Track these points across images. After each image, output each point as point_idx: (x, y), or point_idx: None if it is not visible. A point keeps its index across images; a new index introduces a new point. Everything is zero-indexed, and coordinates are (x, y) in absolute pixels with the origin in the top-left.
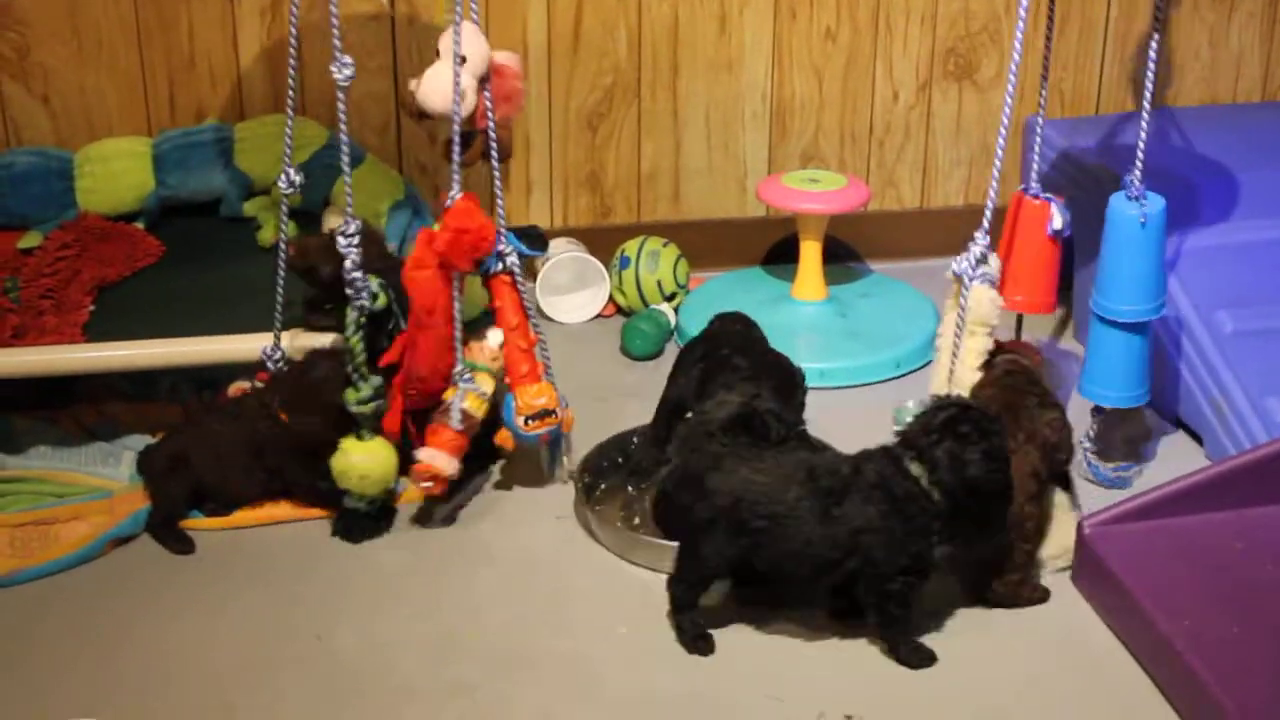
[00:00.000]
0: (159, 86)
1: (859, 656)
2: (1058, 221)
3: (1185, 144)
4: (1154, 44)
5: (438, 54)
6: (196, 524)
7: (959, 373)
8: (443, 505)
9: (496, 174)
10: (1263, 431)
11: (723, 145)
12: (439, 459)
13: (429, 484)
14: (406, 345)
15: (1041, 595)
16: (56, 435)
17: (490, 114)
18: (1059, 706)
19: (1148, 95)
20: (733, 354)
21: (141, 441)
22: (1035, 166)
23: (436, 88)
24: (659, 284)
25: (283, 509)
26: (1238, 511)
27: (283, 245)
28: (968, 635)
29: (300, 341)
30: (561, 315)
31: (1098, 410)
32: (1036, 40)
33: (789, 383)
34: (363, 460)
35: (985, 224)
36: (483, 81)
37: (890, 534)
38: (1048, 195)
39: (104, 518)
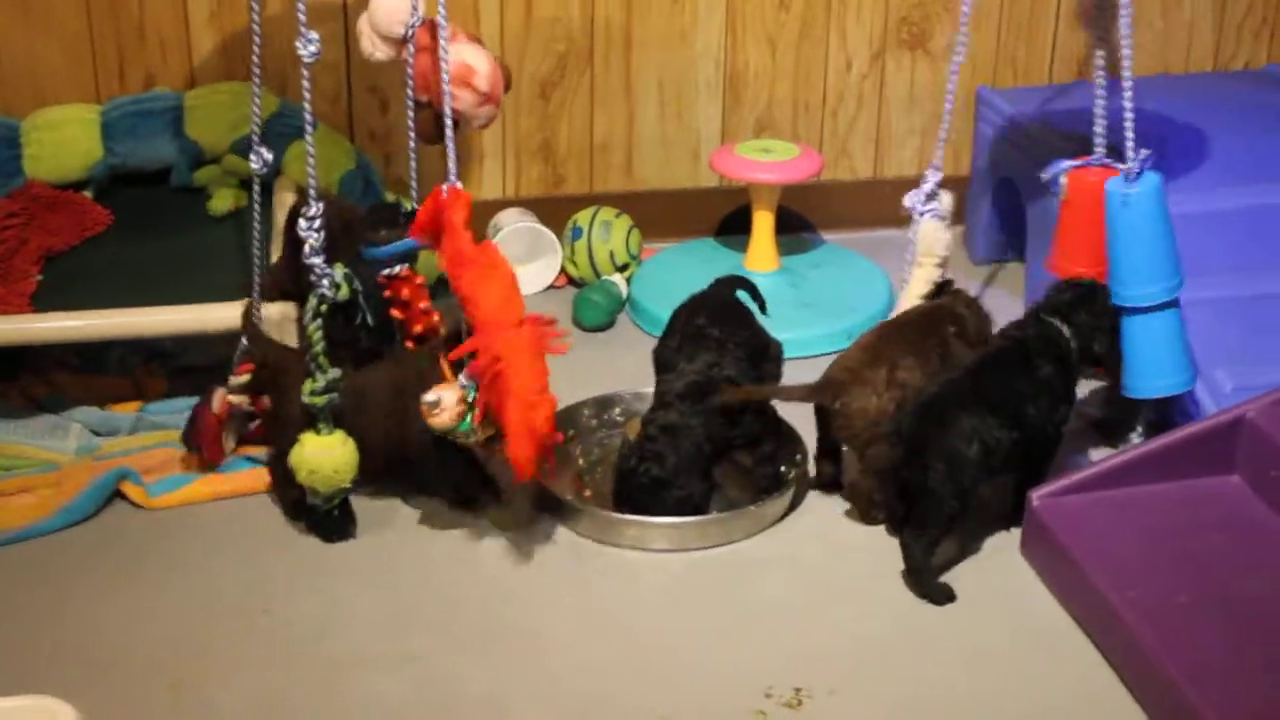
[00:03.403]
0: (108, 53)
1: (807, 629)
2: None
3: (1136, 114)
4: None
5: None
6: (149, 501)
7: (902, 299)
8: None
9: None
10: (1211, 402)
11: (676, 115)
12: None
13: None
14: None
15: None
16: (3, 407)
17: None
18: (1007, 677)
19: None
20: (708, 324)
21: (90, 413)
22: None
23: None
24: (611, 255)
25: (231, 483)
26: (1186, 482)
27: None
28: (914, 607)
29: (270, 311)
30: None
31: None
32: (988, 8)
33: (759, 355)
34: (313, 454)
35: (937, 161)
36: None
37: (1063, 391)
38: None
39: (51, 490)
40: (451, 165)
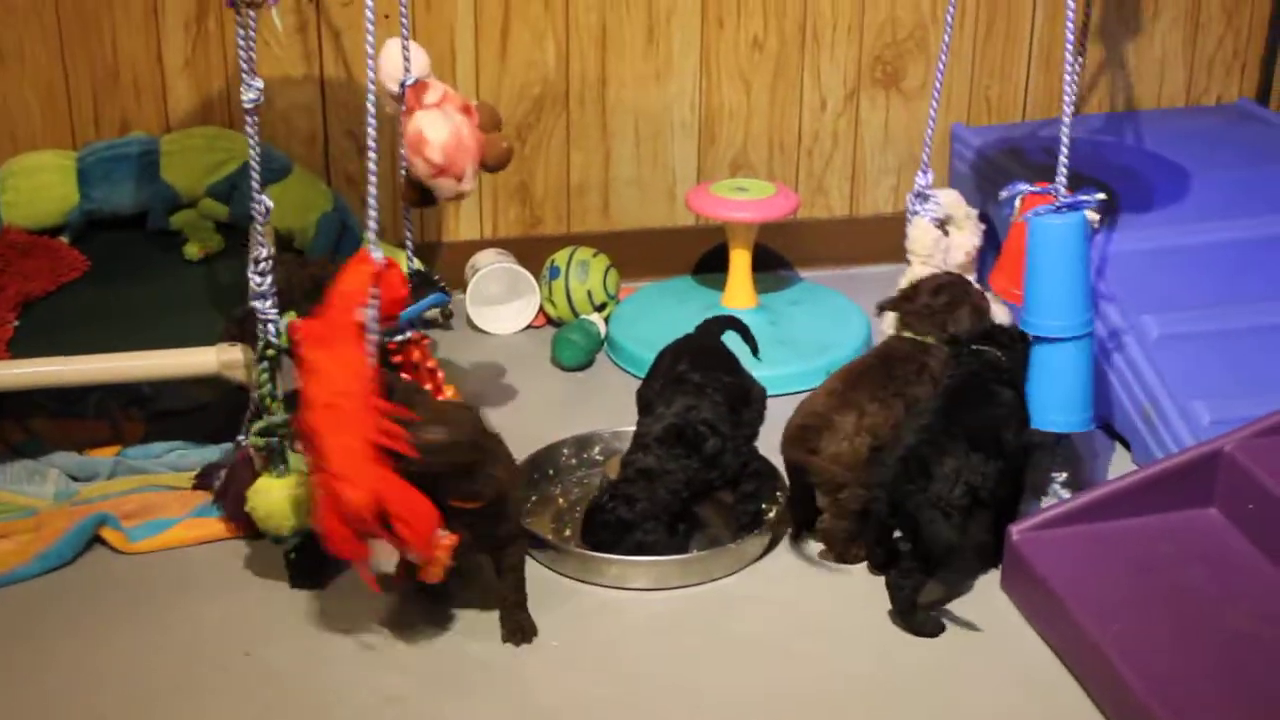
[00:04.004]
0: (83, 99)
1: (789, 667)
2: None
3: (1109, 150)
4: (1069, 55)
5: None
6: (130, 546)
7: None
8: None
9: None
10: (1189, 435)
11: (651, 155)
12: None
13: None
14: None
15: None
16: None
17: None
18: (989, 712)
19: (1067, 109)
20: (689, 369)
21: (68, 458)
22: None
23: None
24: (589, 294)
25: (211, 528)
26: (1165, 515)
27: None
28: (895, 642)
29: (228, 355)
30: (492, 326)
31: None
32: (962, 48)
33: (740, 398)
34: (254, 493)
35: (925, 159)
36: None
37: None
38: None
39: (29, 536)
40: (370, 221)
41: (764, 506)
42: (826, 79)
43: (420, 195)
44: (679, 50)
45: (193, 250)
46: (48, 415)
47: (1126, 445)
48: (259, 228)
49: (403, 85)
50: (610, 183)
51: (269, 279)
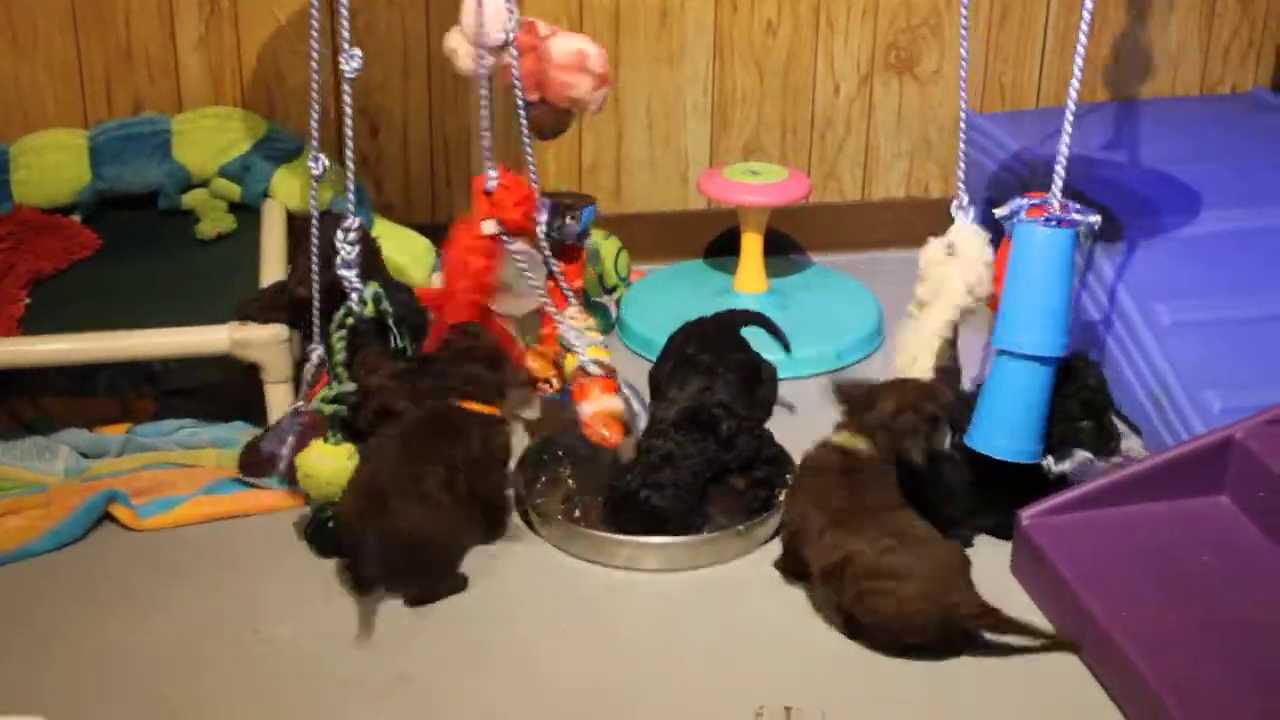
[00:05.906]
0: (95, 78)
1: (798, 649)
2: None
3: (1123, 138)
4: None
5: None
6: (139, 523)
7: None
8: None
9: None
10: (1199, 423)
11: (664, 138)
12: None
13: (608, 434)
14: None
15: None
16: None
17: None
18: (998, 698)
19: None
20: (698, 351)
21: (78, 435)
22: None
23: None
24: (600, 277)
25: (221, 505)
26: (1175, 502)
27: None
28: None
29: (240, 334)
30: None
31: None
32: (976, 33)
33: (751, 377)
34: (313, 460)
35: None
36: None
37: None
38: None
39: (39, 512)
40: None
41: (775, 491)
42: (840, 64)
43: (555, 123)
44: (692, 33)
45: (204, 230)
46: (58, 393)
47: (1138, 431)
48: (350, 205)
49: (509, 32)
50: (622, 165)
51: (357, 249)
